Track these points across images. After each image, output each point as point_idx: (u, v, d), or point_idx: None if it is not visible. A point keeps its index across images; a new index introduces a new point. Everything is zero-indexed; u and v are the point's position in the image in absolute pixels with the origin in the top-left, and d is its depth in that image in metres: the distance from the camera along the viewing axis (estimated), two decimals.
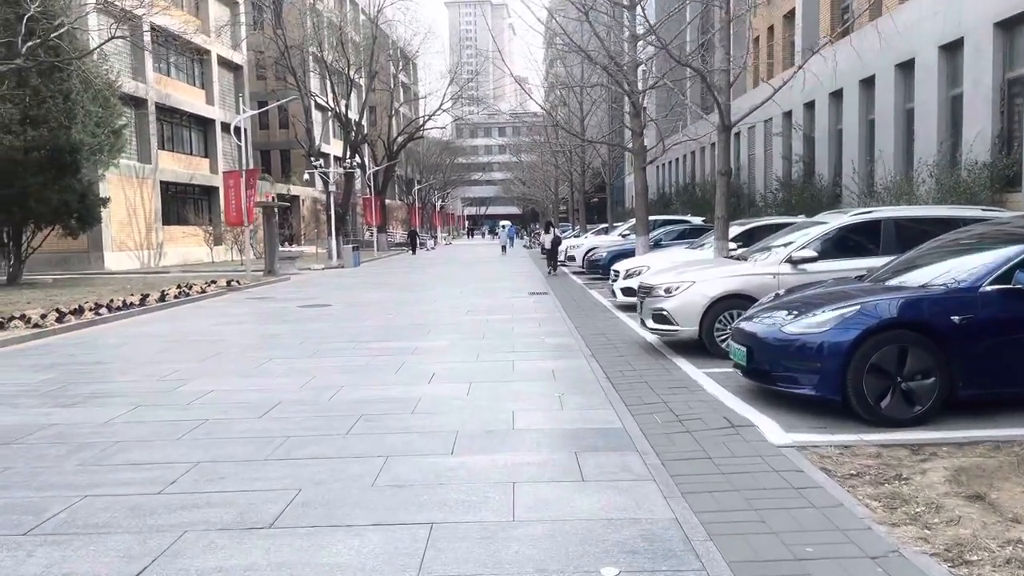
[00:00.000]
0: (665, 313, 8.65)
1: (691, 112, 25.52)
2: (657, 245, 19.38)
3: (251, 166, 46.41)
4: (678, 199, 33.36)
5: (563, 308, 14.26)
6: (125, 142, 27.02)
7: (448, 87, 47.87)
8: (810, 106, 22.75)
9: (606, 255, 21.14)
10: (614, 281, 13.84)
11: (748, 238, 12.92)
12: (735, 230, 13.26)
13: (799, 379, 5.78)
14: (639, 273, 13.17)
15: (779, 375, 5.96)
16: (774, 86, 11.19)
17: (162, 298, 16.55)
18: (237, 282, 20.88)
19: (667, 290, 8.72)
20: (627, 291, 13.39)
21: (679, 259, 13.35)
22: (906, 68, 17.34)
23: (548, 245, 25.25)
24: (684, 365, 8.21)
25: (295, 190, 52.97)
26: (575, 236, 34.49)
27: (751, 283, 8.42)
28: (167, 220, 38.01)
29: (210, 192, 41.90)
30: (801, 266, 8.39)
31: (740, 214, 26.65)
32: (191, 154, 41.74)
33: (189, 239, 38.63)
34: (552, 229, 27.20)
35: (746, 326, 6.52)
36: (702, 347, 8.67)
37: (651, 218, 19.45)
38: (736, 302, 8.43)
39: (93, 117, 23.49)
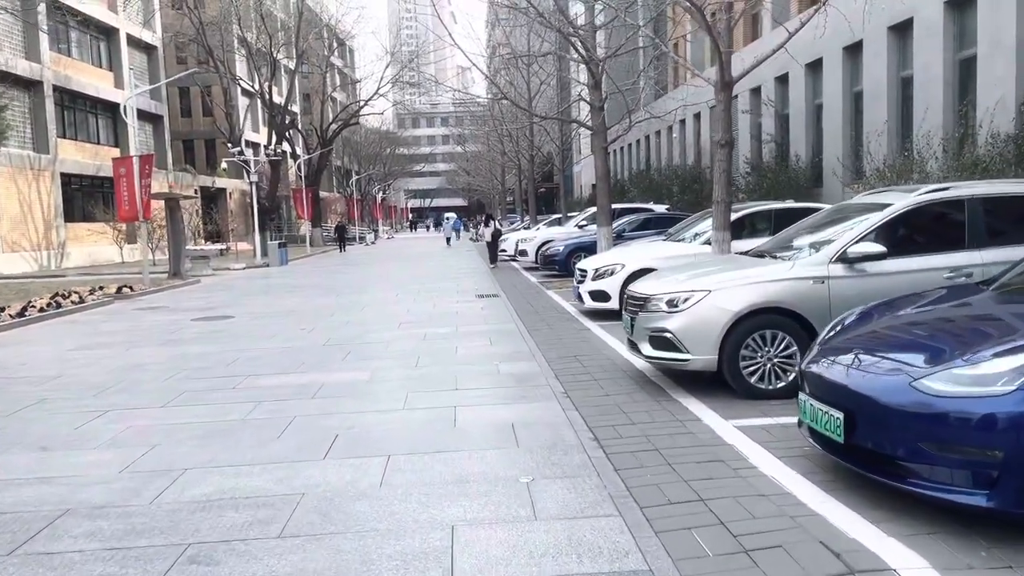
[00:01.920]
0: (669, 336, 6.10)
1: (651, 86, 23.15)
2: (619, 237, 16.97)
3: (169, 155, 42.63)
4: (635, 186, 31.07)
5: (518, 316, 11.65)
6: (6, 127, 23.26)
7: (385, 69, 44.66)
8: (783, 80, 20.59)
9: (563, 249, 18.65)
10: (580, 282, 11.29)
11: (737, 228, 10.55)
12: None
13: (955, 478, 3.27)
14: (612, 273, 10.67)
15: (914, 467, 3.43)
16: (789, 29, 8.76)
17: (22, 312, 13.34)
18: (129, 288, 17.66)
19: (671, 303, 6.17)
20: (597, 295, 10.86)
21: (658, 254, 10.90)
22: (902, 30, 15.20)
23: (488, 237, 24.73)
24: (702, 412, 5.68)
25: (222, 182, 49.07)
26: (524, 228, 31.91)
27: (790, 292, 5.93)
28: (70, 216, 34.01)
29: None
30: (860, 266, 5.93)
31: (702, 203, 24.53)
32: (99, 143, 37.69)
33: (97, 237, 34.68)
34: (492, 221, 25.91)
35: (833, 373, 3.99)
36: (718, 379, 6.17)
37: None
38: (769, 318, 5.94)
39: None
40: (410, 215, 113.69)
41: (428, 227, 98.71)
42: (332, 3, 47.81)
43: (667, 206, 22.17)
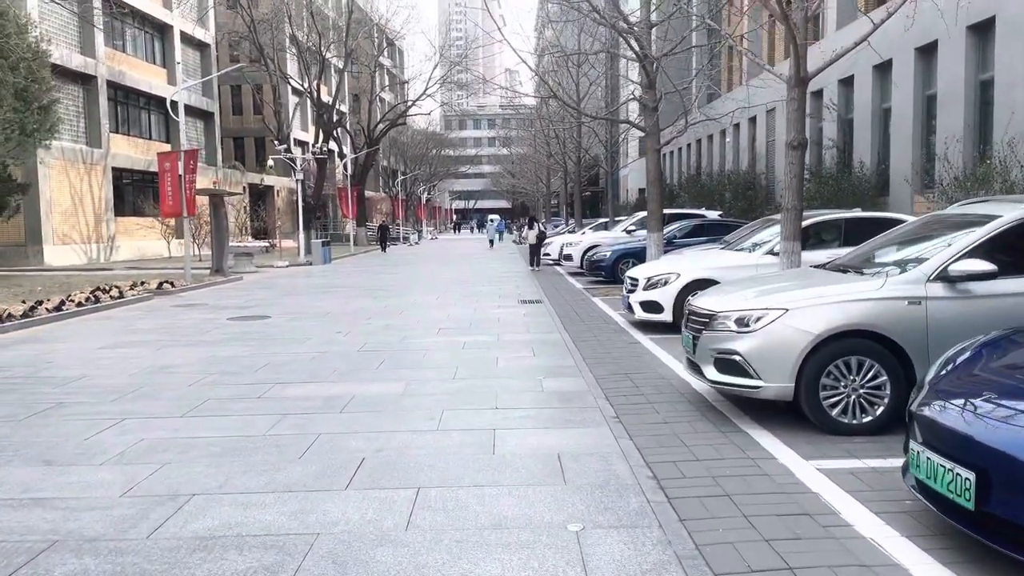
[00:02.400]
0: (738, 359, 5.40)
1: (706, 87, 22.25)
2: (669, 244, 16.23)
3: (219, 152, 42.94)
4: (685, 191, 30.13)
5: (563, 325, 11.01)
6: (57, 120, 23.44)
7: (434, 69, 44.41)
8: (847, 82, 19.55)
9: (610, 255, 17.96)
10: (630, 292, 10.59)
11: (802, 238, 9.72)
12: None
13: None
14: (665, 283, 9.96)
15: None
16: (874, 20, 7.96)
17: (59, 307, 13.16)
18: (170, 283, 17.49)
19: (741, 322, 5.46)
20: (649, 306, 10.15)
21: (716, 264, 10.16)
22: (982, 30, 14.15)
23: (532, 240, 24.49)
24: (776, 448, 4.97)
25: (269, 180, 49.43)
26: (569, 232, 31.22)
27: (881, 313, 5.18)
28: (120, 211, 34.46)
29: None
30: (964, 286, 5.16)
31: (756, 210, 23.58)
32: (150, 138, 38.14)
33: (145, 232, 35.04)
34: (536, 224, 25.49)
35: (957, 421, 3.27)
36: (793, 410, 5.45)
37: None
38: (856, 343, 5.20)
39: (8, 88, 20.02)
40: (454, 216, 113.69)
41: (472, 228, 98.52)
42: (383, 2, 47.81)
43: (720, 213, 21.27)
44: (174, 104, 19.91)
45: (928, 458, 3.33)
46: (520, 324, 11.46)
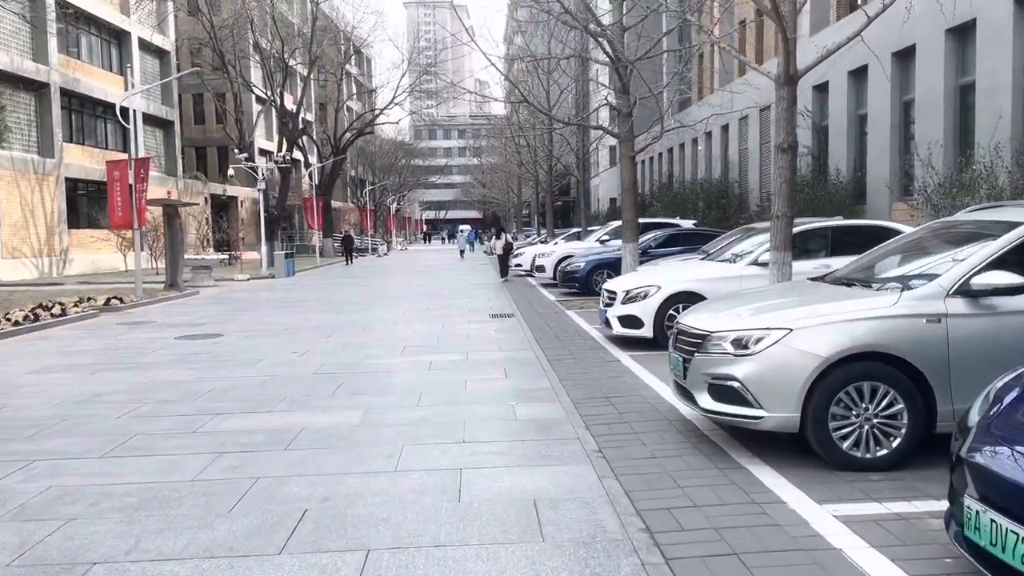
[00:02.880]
0: (736, 386, 4.76)
1: (679, 92, 21.85)
2: (644, 254, 15.66)
3: (180, 162, 41.60)
4: (658, 200, 29.72)
5: (537, 341, 10.33)
6: (3, 128, 22.31)
7: (402, 77, 43.70)
8: (822, 88, 19.25)
9: (584, 266, 17.36)
10: (607, 305, 9.95)
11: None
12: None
13: None
14: (645, 296, 9.34)
15: None
16: (869, 13, 7.44)
17: None
18: (119, 299, 16.50)
19: (739, 343, 4.83)
20: (628, 320, 9.52)
21: (698, 275, 9.58)
22: (962, 33, 13.84)
23: (499, 251, 24.37)
24: (783, 489, 4.33)
25: (233, 191, 48.18)
26: (541, 242, 30.62)
27: (897, 333, 4.58)
28: (75, 223, 33.08)
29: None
30: (988, 301, 4.59)
31: (730, 219, 23.21)
32: (106, 148, 36.76)
33: (100, 245, 33.65)
34: (504, 235, 25.37)
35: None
36: (796, 440, 4.84)
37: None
38: (869, 367, 4.59)
39: None
40: (424, 227, 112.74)
41: (443, 239, 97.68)
42: (348, 10, 47.00)
43: (694, 222, 20.82)
44: (125, 111, 18.93)
45: (992, 520, 2.70)
46: (491, 341, 10.76)
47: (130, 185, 17.43)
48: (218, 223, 43.91)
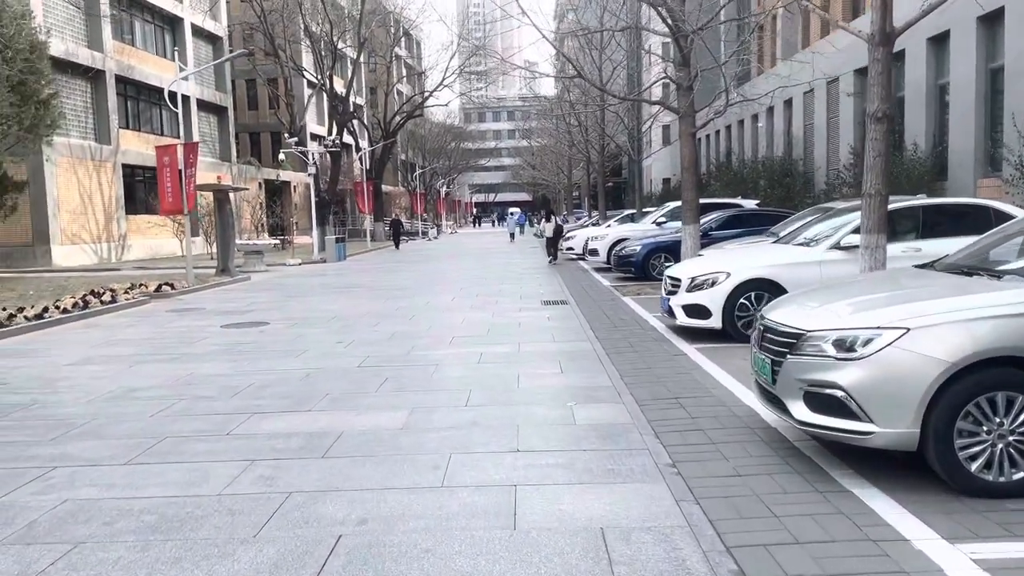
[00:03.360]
0: (841, 395, 4.04)
1: (740, 64, 20.74)
2: (704, 236, 14.80)
3: (234, 147, 41.80)
4: (716, 180, 28.56)
5: (593, 331, 9.68)
6: (58, 115, 22.46)
7: (451, 59, 43.10)
8: (897, 57, 17.91)
9: (640, 249, 16.57)
10: (671, 293, 9.22)
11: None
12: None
13: None
14: (713, 283, 8.59)
15: None
16: None
17: (41, 314, 12.06)
18: (170, 285, 16.38)
19: (842, 344, 4.10)
20: (694, 310, 8.78)
21: (771, 260, 8.79)
22: None
23: (549, 234, 24.04)
24: (903, 522, 3.61)
25: (286, 176, 48.46)
26: (593, 224, 29.80)
27: None
28: (132, 208, 33.57)
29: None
30: None
31: (793, 200, 22.06)
32: (161, 134, 37.14)
33: (157, 230, 34.09)
34: (553, 217, 24.86)
35: None
36: (913, 459, 4.10)
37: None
38: (1005, 374, 3.83)
39: (2, 82, 19.01)
40: (474, 210, 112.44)
41: (493, 222, 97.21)
42: None
43: (757, 202, 19.78)
44: (173, 95, 18.79)
45: None
46: (544, 330, 10.14)
47: (180, 170, 17.26)
48: (271, 208, 44.26)
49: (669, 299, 9.20)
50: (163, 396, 6.92)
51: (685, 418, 5.59)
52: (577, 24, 23.85)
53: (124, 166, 32.96)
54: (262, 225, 41.72)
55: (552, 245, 23.87)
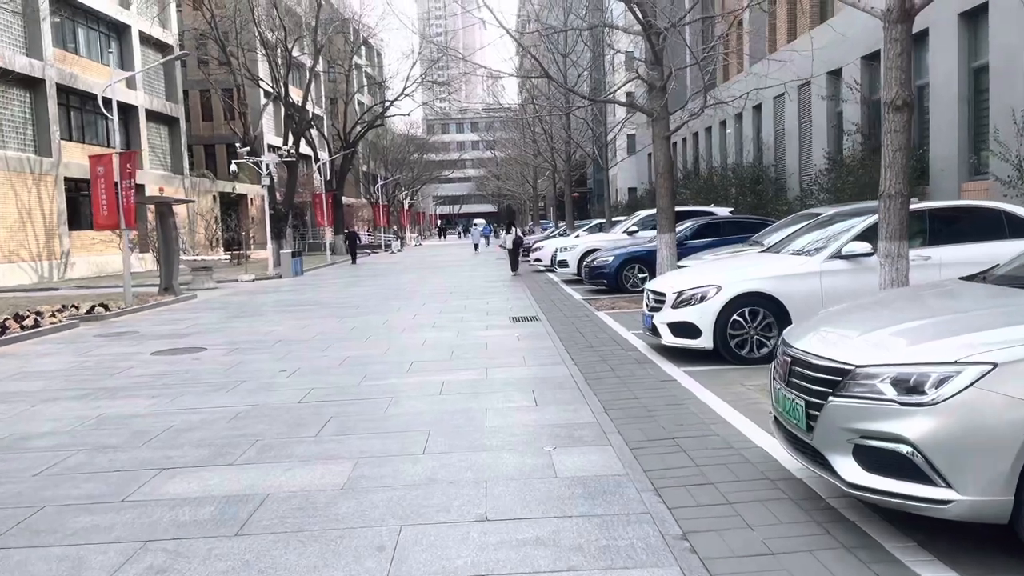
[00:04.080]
0: (906, 451, 3.10)
1: (719, 59, 20.11)
2: (678, 246, 13.94)
3: (186, 159, 40.03)
4: (685, 187, 27.92)
5: (569, 354, 8.69)
6: None
7: (412, 67, 42.08)
8: (872, 59, 17.39)
9: (613, 260, 15.68)
10: (654, 309, 8.28)
11: (874, 235, 7.54)
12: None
13: None
14: (702, 298, 7.68)
15: None
16: None
17: None
18: (104, 307, 15.02)
19: (904, 384, 3.16)
20: (681, 328, 7.84)
21: (765, 272, 7.90)
22: None
23: (509, 245, 24.11)
24: None
25: (242, 188, 46.86)
26: (560, 235, 28.93)
27: None
28: (76, 224, 31.79)
29: (136, 191, 35.44)
30: None
31: (765, 207, 21.46)
32: (107, 146, 35.42)
33: (103, 246, 32.35)
34: (513, 229, 25.09)
35: None
36: (1008, 535, 3.16)
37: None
38: None
39: None
40: (439, 221, 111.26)
41: (459, 233, 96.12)
42: (355, 1, 45.39)
43: (730, 210, 19.06)
44: (107, 102, 17.47)
45: None
46: (514, 352, 9.13)
47: (115, 182, 15.94)
48: (227, 222, 42.64)
49: (652, 316, 8.26)
50: (59, 446, 5.75)
51: (688, 466, 4.61)
52: (537, 17, 23.01)
53: (67, 179, 31.25)
54: (217, 240, 40.14)
55: (513, 257, 23.65)
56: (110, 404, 7.14)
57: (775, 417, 4.17)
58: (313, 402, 6.90)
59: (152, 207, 19.81)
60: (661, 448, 5.01)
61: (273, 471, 4.93)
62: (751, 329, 7.54)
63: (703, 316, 7.60)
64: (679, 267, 11.67)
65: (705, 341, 7.63)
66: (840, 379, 3.41)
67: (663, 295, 8.14)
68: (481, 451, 5.18)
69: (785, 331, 4.29)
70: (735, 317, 7.52)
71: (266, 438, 5.73)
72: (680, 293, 7.90)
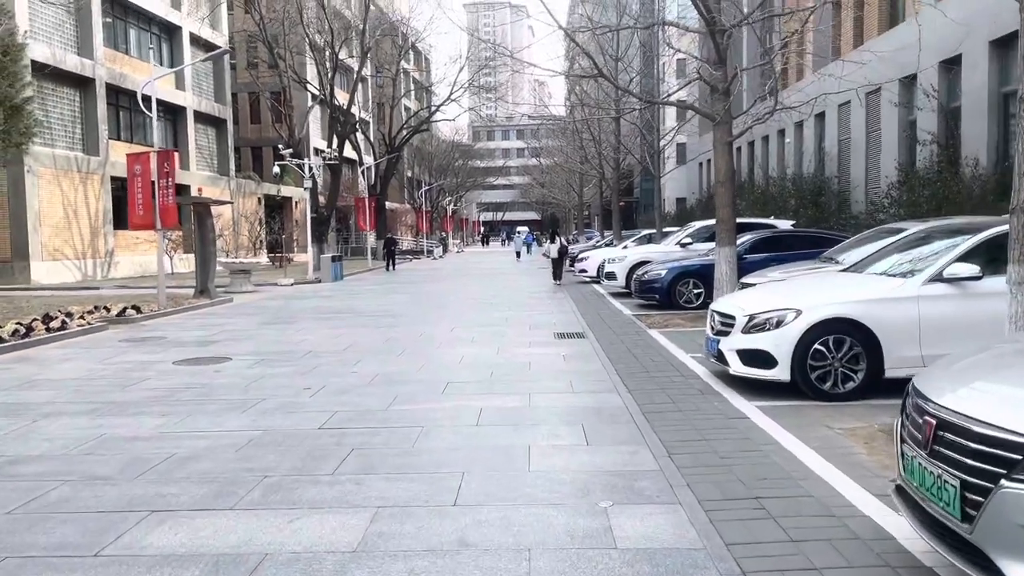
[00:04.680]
0: None
1: (784, 61, 19.03)
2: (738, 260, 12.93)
3: (232, 161, 39.99)
4: (741, 198, 26.70)
5: (621, 379, 7.80)
6: (33, 123, 20.83)
7: (460, 72, 41.60)
8: (952, 62, 16.12)
9: (666, 274, 14.71)
10: (721, 333, 7.33)
11: (981, 256, 6.52)
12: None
13: None
14: (779, 323, 6.73)
15: None
16: None
17: None
18: (136, 309, 14.58)
19: None
20: (753, 357, 6.87)
21: (852, 296, 6.93)
22: None
23: (554, 254, 23.84)
24: None
25: (288, 191, 46.90)
26: (606, 245, 27.97)
27: None
28: (121, 224, 31.86)
29: (179, 191, 35.52)
30: None
31: (827, 220, 20.27)
32: (155, 146, 35.65)
33: (147, 246, 32.39)
34: (558, 238, 24.90)
35: None
36: None
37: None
38: None
39: None
40: (482, 228, 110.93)
41: (502, 241, 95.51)
42: (404, 5, 45.16)
43: (792, 223, 17.92)
44: (146, 99, 17.15)
45: None
46: (560, 375, 8.27)
47: (153, 181, 15.55)
48: (271, 224, 42.64)
49: (719, 341, 7.31)
50: (46, 474, 5.08)
51: (782, 541, 3.70)
52: (590, 23, 22.24)
53: (113, 178, 31.35)
54: (260, 242, 40.10)
55: (557, 266, 23.40)
56: (114, 423, 6.47)
57: (899, 486, 3.26)
58: (335, 429, 6.14)
59: (191, 208, 19.42)
60: (743, 511, 4.10)
61: (277, 521, 4.15)
62: (835, 360, 6.55)
63: (779, 344, 6.63)
64: (742, 284, 10.70)
65: (781, 372, 6.66)
66: (1021, 458, 2.48)
67: (732, 318, 7.19)
68: (523, 504, 4.33)
69: (915, 379, 3.36)
70: (817, 346, 6.54)
71: (276, 474, 4.97)
72: (752, 316, 6.94)
